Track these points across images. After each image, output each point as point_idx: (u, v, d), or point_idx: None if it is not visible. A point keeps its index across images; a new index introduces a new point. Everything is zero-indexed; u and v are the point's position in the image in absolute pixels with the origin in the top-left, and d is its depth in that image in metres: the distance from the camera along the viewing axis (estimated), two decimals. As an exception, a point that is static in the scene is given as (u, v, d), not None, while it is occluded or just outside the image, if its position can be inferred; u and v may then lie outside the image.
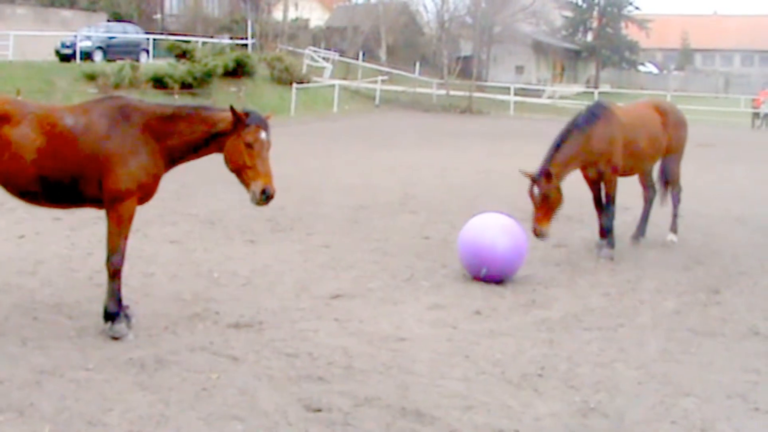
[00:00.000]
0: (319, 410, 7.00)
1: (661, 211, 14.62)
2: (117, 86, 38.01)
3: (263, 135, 8.39)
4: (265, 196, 8.33)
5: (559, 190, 12.14)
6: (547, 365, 8.31)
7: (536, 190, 12.05)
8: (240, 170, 8.41)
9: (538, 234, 12.11)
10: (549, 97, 67.43)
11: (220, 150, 8.55)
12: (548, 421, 7.01)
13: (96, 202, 8.44)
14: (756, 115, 54.70)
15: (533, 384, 7.83)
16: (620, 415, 7.18)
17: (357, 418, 6.88)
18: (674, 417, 7.21)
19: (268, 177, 8.36)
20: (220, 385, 7.45)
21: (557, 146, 12.32)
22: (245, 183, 8.44)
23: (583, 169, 12.82)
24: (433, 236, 14.40)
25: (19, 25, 46.73)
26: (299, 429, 6.64)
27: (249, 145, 8.32)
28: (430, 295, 10.76)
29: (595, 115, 12.72)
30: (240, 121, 8.33)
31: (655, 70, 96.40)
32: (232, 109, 8.43)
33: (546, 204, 12.06)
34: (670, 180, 14.37)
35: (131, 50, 47.38)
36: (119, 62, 41.84)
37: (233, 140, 8.36)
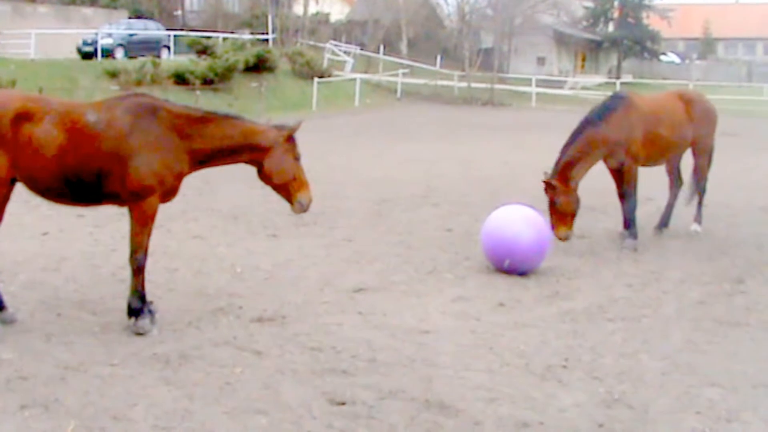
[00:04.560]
0: (343, 403, 7.01)
1: (688, 201, 14.55)
2: (138, 83, 38.11)
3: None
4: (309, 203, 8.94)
5: (573, 193, 12.16)
6: (571, 356, 8.31)
7: (553, 196, 12.12)
8: (287, 183, 8.79)
9: (560, 238, 12.16)
10: (571, 88, 67.15)
11: (248, 161, 8.79)
12: (572, 412, 7.01)
13: (119, 199, 8.45)
14: None
15: (557, 375, 7.82)
16: (645, 406, 7.16)
17: (381, 411, 6.89)
18: (699, 407, 7.19)
19: (308, 185, 8.94)
20: (244, 379, 7.47)
21: (567, 147, 12.34)
22: (290, 194, 8.86)
23: (605, 159, 12.80)
24: (456, 229, 14.39)
25: (40, 24, 46.85)
26: (323, 422, 6.66)
27: (297, 159, 8.80)
28: (453, 288, 10.76)
29: (609, 107, 12.70)
30: (291, 137, 8.73)
31: (677, 60, 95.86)
32: (280, 126, 8.81)
33: (562, 209, 12.11)
34: (697, 170, 14.30)
35: (152, 47, 47.51)
36: (140, 59, 41.98)
37: (281, 156, 8.70)
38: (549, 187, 12.15)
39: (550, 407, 7.11)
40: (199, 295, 10.07)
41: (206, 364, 7.81)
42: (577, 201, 12.26)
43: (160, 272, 10.69)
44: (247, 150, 8.66)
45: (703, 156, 14.22)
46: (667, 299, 10.48)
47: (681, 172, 14.45)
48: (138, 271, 8.54)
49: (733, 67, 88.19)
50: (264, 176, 8.78)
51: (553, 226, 12.17)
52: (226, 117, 8.76)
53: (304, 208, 8.90)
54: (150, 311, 8.68)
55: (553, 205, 12.19)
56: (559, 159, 12.31)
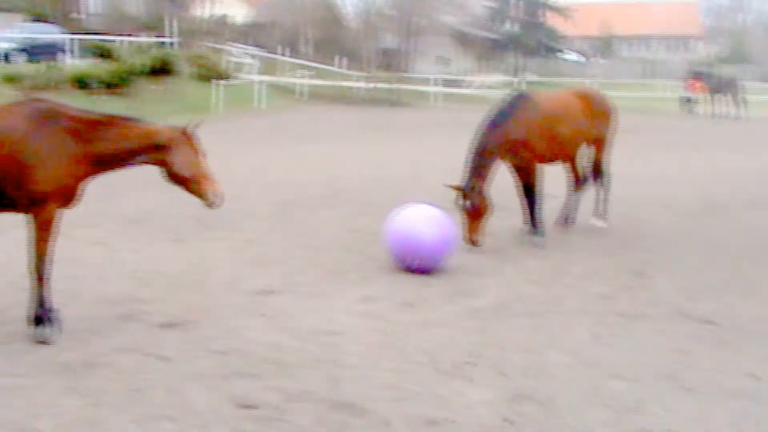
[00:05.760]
0: (252, 407, 6.97)
1: (588, 196, 14.75)
2: (39, 88, 37.44)
3: None
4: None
5: (487, 198, 12.24)
6: (478, 354, 8.36)
7: (467, 203, 12.15)
8: (196, 180, 8.67)
9: (475, 245, 12.22)
10: (473, 87, 67.61)
11: (152, 162, 8.66)
12: (481, 409, 7.05)
13: (18, 206, 8.31)
14: (688, 99, 55.16)
15: (465, 373, 7.87)
16: (552, 400, 7.25)
17: (289, 412, 6.88)
18: (605, 400, 7.30)
19: (215, 180, 8.82)
20: (150, 385, 7.39)
21: (478, 150, 12.37)
22: (199, 189, 8.71)
23: (506, 157, 12.87)
24: (360, 229, 14.39)
25: (-66, 29, 45.89)
26: (231, 426, 6.62)
27: (200, 154, 8.69)
28: (359, 288, 10.76)
29: (510, 106, 12.81)
30: (187, 132, 8.61)
31: (579, 59, 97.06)
32: (176, 127, 8.73)
33: (477, 215, 12.18)
34: (597, 166, 14.49)
35: (53, 51, 46.71)
36: (41, 63, 41.26)
37: (182, 152, 8.58)
38: (471, 191, 12.16)
39: (459, 404, 7.15)
40: (103, 301, 9.94)
41: (112, 371, 7.71)
42: (490, 203, 12.35)
43: (63, 279, 10.50)
44: (148, 150, 8.54)
45: (603, 151, 14.42)
46: (571, 294, 10.62)
47: (582, 168, 14.60)
48: (40, 278, 8.41)
49: (634, 65, 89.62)
50: (169, 174, 8.69)
51: (467, 233, 12.24)
52: (125, 119, 8.67)
53: (215, 202, 8.77)
54: (53, 319, 8.55)
55: (470, 210, 12.21)
56: (474, 163, 12.32)
